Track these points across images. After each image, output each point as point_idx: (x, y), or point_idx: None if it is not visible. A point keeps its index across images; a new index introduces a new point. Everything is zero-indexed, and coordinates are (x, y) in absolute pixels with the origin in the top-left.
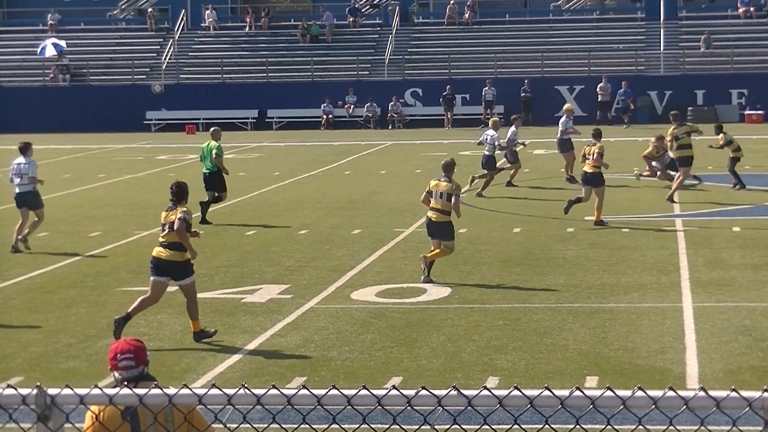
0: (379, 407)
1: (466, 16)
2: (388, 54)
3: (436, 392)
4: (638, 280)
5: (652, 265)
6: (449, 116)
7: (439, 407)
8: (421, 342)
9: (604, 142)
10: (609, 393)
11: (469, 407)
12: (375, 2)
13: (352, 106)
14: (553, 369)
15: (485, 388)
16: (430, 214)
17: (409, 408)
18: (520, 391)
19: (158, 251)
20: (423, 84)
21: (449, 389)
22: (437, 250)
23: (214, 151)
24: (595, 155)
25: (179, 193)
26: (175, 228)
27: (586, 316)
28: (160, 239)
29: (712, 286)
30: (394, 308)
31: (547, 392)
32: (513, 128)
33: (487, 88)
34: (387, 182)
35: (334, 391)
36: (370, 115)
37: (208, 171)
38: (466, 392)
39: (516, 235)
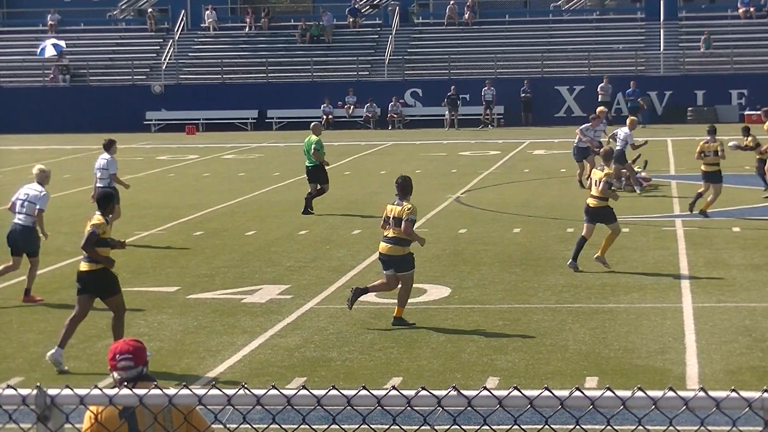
0: (379, 408)
1: (466, 16)
2: (387, 54)
3: (436, 392)
4: (639, 281)
5: (652, 265)
6: (454, 116)
7: (439, 408)
8: (421, 342)
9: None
10: (609, 393)
11: (468, 408)
12: (375, 2)
13: (351, 107)
14: (552, 369)
15: (485, 388)
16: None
17: (408, 408)
18: (520, 392)
19: (383, 246)
20: (423, 84)
21: (449, 389)
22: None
23: (313, 146)
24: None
25: (405, 187)
26: (402, 228)
27: (586, 317)
28: (385, 234)
29: (712, 286)
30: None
31: (546, 393)
32: (626, 130)
33: (486, 88)
34: (387, 183)
35: (333, 392)
36: (370, 115)
37: (310, 165)
38: (465, 392)
39: (516, 235)
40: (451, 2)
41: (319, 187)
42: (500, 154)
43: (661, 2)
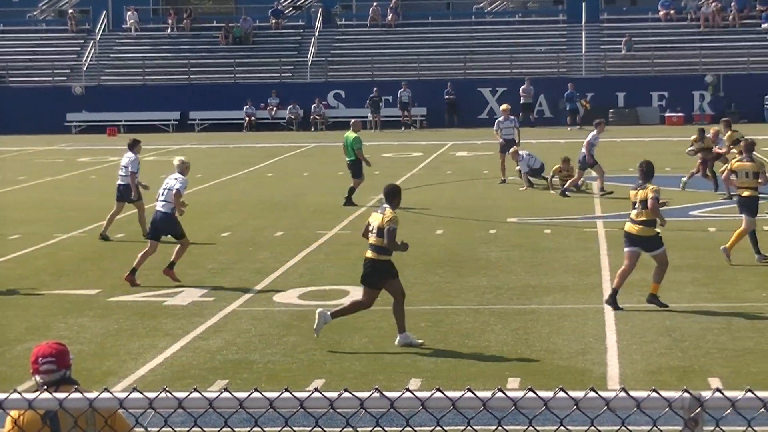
0: (302, 410)
1: (389, 17)
2: (310, 56)
3: (359, 394)
4: (561, 281)
5: (574, 266)
6: (376, 118)
7: (361, 409)
8: (344, 344)
9: (530, 146)
10: (531, 394)
11: (391, 409)
12: (298, 4)
13: (274, 108)
14: (475, 370)
15: (408, 389)
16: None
17: (331, 410)
18: (443, 393)
19: (630, 227)
20: (346, 86)
21: (372, 391)
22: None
23: (352, 145)
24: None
25: (648, 172)
26: (649, 206)
27: (509, 318)
28: (632, 217)
29: (633, 287)
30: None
31: (469, 394)
32: (594, 133)
33: (402, 90)
34: (310, 184)
35: (256, 394)
36: (292, 117)
37: (350, 160)
38: (388, 394)
39: (439, 236)
40: (374, 4)
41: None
42: (423, 156)
43: (583, 4)
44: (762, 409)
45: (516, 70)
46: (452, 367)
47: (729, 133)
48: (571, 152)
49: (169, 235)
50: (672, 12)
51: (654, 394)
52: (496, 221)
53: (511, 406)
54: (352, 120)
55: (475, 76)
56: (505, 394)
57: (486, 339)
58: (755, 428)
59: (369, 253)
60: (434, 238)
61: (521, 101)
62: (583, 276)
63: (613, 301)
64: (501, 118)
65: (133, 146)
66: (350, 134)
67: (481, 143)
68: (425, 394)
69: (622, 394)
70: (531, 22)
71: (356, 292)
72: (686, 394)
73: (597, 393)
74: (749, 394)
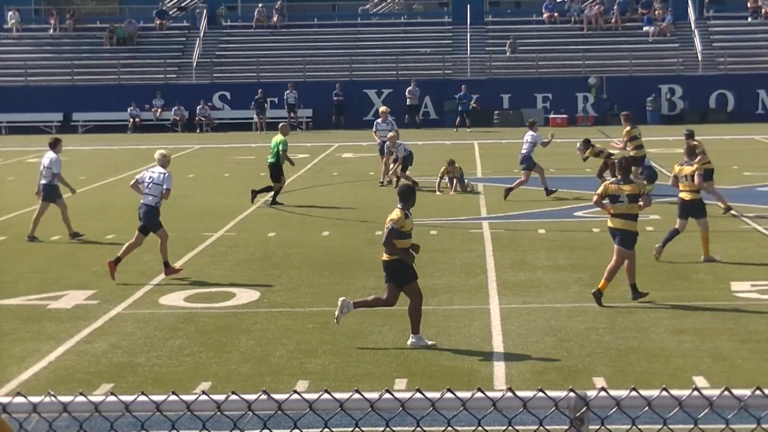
0: (189, 413)
1: (275, 19)
2: (195, 57)
3: (246, 397)
4: (447, 282)
5: (460, 267)
6: (261, 120)
7: (249, 411)
8: (230, 346)
9: (415, 147)
10: (418, 395)
11: (279, 411)
12: (182, 5)
13: (159, 110)
14: (362, 372)
15: (295, 391)
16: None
17: (218, 413)
18: (330, 395)
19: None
20: (231, 87)
21: (259, 394)
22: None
23: (280, 146)
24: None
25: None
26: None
27: (396, 319)
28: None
29: (519, 287)
30: (203, 313)
31: (357, 395)
32: (532, 132)
33: (288, 91)
34: (195, 186)
35: (142, 398)
36: (177, 118)
37: (270, 162)
38: (276, 396)
39: (325, 238)
40: (260, 5)
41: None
42: (309, 158)
43: (468, 6)
44: (646, 408)
45: (402, 71)
46: (339, 369)
47: (627, 128)
48: (456, 154)
49: (151, 231)
50: (556, 15)
51: (540, 394)
52: (382, 223)
53: (399, 407)
54: (281, 124)
55: (361, 77)
56: (392, 395)
57: (373, 340)
58: (640, 427)
59: (382, 254)
60: (320, 240)
61: (407, 103)
62: (469, 277)
63: (636, 293)
64: (379, 120)
65: (55, 146)
66: (278, 137)
67: (367, 145)
68: (313, 396)
69: (509, 394)
70: (416, 24)
71: (242, 294)
72: (572, 394)
73: (484, 393)
74: (633, 393)
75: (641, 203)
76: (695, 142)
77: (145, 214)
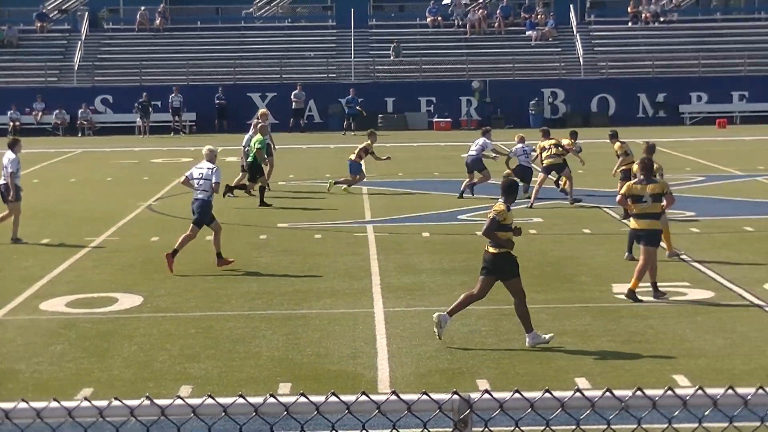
0: (71, 419)
1: (158, 22)
2: (77, 60)
3: (129, 402)
4: (331, 286)
5: (344, 271)
6: (145, 124)
7: (131, 417)
8: (113, 352)
9: (301, 151)
10: (302, 399)
11: (162, 417)
12: (63, 8)
13: (40, 113)
14: (246, 376)
15: (179, 396)
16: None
17: (101, 419)
18: (215, 400)
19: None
20: (114, 91)
21: (142, 399)
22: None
23: (256, 145)
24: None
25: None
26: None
27: (279, 323)
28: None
29: (403, 290)
30: (85, 318)
31: (241, 400)
32: (485, 139)
33: (174, 95)
34: (77, 191)
35: (23, 405)
36: (59, 122)
37: (248, 162)
38: (159, 401)
39: (209, 242)
40: (142, 8)
41: (248, 181)
42: (192, 161)
43: (352, 10)
44: (529, 410)
45: (286, 75)
46: (223, 373)
47: (568, 141)
48: (341, 158)
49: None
50: (439, 19)
51: (424, 397)
52: (267, 226)
53: (283, 411)
54: (260, 124)
55: (245, 81)
56: (276, 399)
57: (257, 344)
58: (522, 428)
59: (487, 247)
60: (204, 244)
61: (293, 107)
62: (353, 281)
63: (657, 291)
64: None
65: (14, 146)
66: (257, 136)
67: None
68: (196, 401)
69: (393, 397)
70: (300, 28)
71: (125, 299)
72: (456, 396)
73: (368, 397)
74: (517, 395)
75: (665, 202)
76: (619, 143)
77: (199, 208)
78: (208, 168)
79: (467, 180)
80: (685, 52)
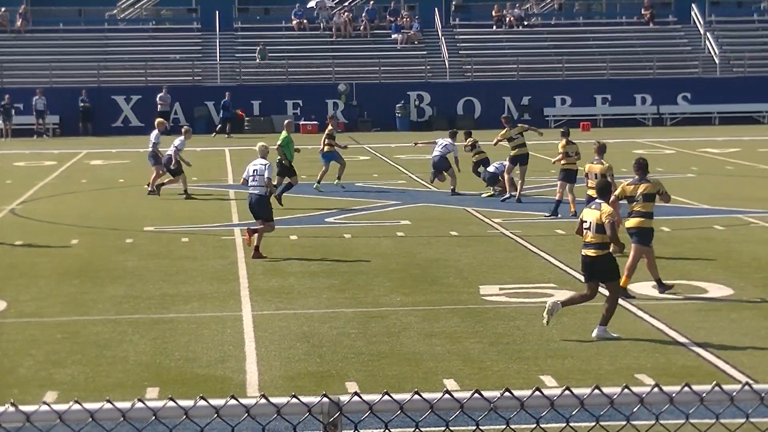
0: None
1: (19, 23)
2: None
3: None
4: (199, 290)
5: (212, 274)
6: (8, 127)
7: None
8: None
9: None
10: (171, 404)
11: (27, 423)
12: None
13: None
14: (113, 381)
15: (45, 403)
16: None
17: None
18: (81, 405)
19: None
20: None
21: (6, 405)
22: None
23: (278, 142)
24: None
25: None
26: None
27: (147, 327)
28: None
29: (271, 294)
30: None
31: (108, 405)
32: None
33: (37, 97)
34: None
35: None
36: None
37: (287, 160)
38: (24, 408)
39: (74, 246)
40: (2, 8)
41: (287, 180)
42: (56, 165)
43: (217, 13)
44: (399, 412)
45: (151, 78)
46: (90, 379)
47: (505, 130)
48: (208, 160)
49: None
50: (305, 21)
51: (294, 400)
52: (133, 230)
53: (151, 416)
54: (286, 121)
55: (109, 83)
56: (144, 404)
57: (124, 349)
58: (392, 430)
59: (589, 251)
60: (69, 248)
61: (158, 109)
62: (221, 284)
63: (662, 286)
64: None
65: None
66: (283, 134)
67: (117, 152)
68: (63, 407)
69: (263, 400)
70: (165, 30)
71: None
72: (325, 399)
73: (237, 400)
74: (386, 398)
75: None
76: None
77: (258, 204)
78: (262, 164)
79: (440, 180)
80: (549, 56)
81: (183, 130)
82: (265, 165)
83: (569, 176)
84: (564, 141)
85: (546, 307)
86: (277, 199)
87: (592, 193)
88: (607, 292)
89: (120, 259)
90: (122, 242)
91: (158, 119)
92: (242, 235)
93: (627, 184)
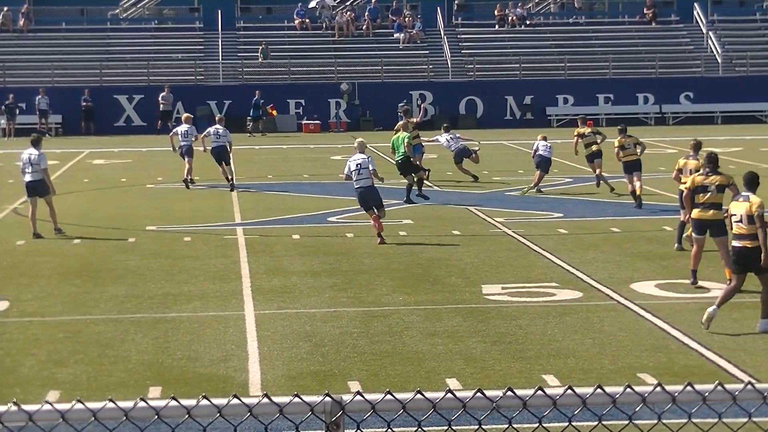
0: None
1: (21, 23)
2: None
3: None
4: (201, 289)
5: (214, 273)
6: (11, 126)
7: None
8: None
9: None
10: (173, 403)
11: (30, 423)
12: None
13: None
14: (116, 381)
15: (47, 402)
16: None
17: None
18: (84, 405)
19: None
20: None
21: (9, 405)
22: None
23: (405, 140)
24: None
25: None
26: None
27: (149, 327)
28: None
29: (273, 293)
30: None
31: (110, 404)
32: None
33: (40, 96)
34: None
35: None
36: None
37: (400, 158)
38: (26, 407)
39: (76, 246)
40: (5, 8)
41: (414, 176)
42: (59, 164)
43: (219, 12)
44: (401, 411)
45: (153, 77)
46: (92, 378)
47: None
48: (210, 160)
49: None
50: (307, 21)
51: (296, 399)
52: (135, 229)
53: (154, 415)
54: (402, 122)
55: (112, 83)
56: (147, 403)
57: (126, 348)
58: (395, 430)
59: (745, 243)
60: (71, 248)
61: (160, 108)
62: (223, 283)
63: (695, 280)
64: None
65: (37, 142)
66: (401, 134)
67: (118, 151)
68: (65, 406)
69: (265, 400)
70: (167, 30)
71: None
72: (327, 398)
73: (240, 399)
74: (389, 397)
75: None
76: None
77: (369, 194)
78: (363, 158)
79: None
80: (552, 55)
81: (217, 118)
82: (366, 158)
83: (629, 168)
84: (620, 137)
85: (705, 315)
86: (423, 198)
87: (683, 187)
88: (761, 284)
89: (122, 259)
90: (124, 242)
91: (185, 114)
92: (373, 227)
93: (697, 176)
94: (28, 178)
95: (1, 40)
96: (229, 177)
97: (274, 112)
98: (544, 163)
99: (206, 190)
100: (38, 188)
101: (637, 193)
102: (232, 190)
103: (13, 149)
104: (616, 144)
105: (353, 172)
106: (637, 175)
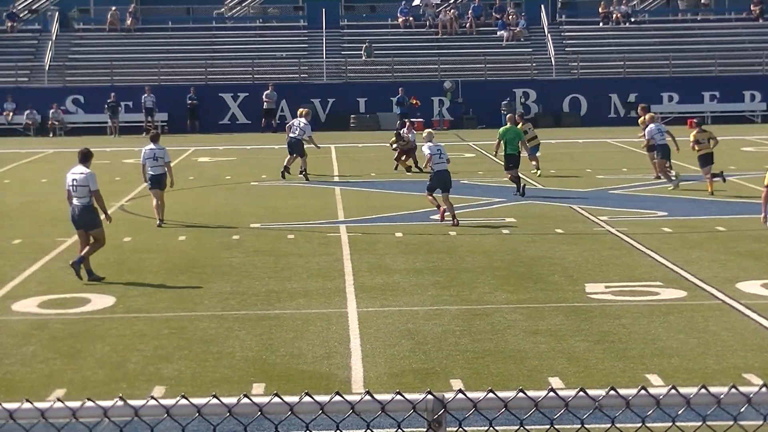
0: (43, 420)
1: (128, 22)
2: (48, 60)
3: (102, 403)
4: (304, 287)
5: (317, 271)
6: (115, 124)
7: (105, 418)
8: (85, 353)
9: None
10: (276, 399)
11: (135, 417)
12: (34, 7)
13: (11, 114)
14: (219, 377)
15: (152, 397)
16: None
17: (74, 420)
18: (188, 400)
19: None
20: (85, 91)
21: (115, 400)
22: None
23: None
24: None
25: None
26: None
27: (253, 323)
28: None
29: (376, 291)
30: (57, 319)
31: (214, 400)
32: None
33: (146, 95)
34: (48, 191)
35: None
36: (30, 122)
37: (511, 153)
38: (132, 402)
39: (181, 243)
40: (113, 8)
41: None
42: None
43: (323, 11)
44: (503, 409)
45: (258, 75)
46: (196, 374)
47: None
48: (312, 158)
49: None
50: (411, 19)
51: (398, 397)
52: (239, 227)
53: (257, 411)
54: (517, 113)
55: (217, 81)
56: (250, 399)
57: (230, 345)
58: (497, 428)
59: None
60: (176, 244)
61: (264, 107)
62: (326, 281)
63: None
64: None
65: (86, 159)
66: (512, 128)
67: (223, 149)
68: (170, 402)
69: (367, 397)
70: (272, 28)
71: (97, 299)
72: (429, 396)
73: (342, 396)
74: (490, 395)
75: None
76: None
77: (448, 176)
78: (441, 145)
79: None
80: (656, 53)
81: (304, 112)
82: (442, 146)
83: (703, 160)
84: (696, 130)
85: None
86: (521, 195)
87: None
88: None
89: (226, 256)
90: (228, 239)
91: (300, 108)
92: (441, 212)
93: None
94: (151, 171)
95: (109, 39)
96: (301, 168)
97: (418, 103)
98: (663, 150)
99: (309, 187)
100: (162, 181)
101: (709, 190)
102: (305, 179)
103: (119, 147)
104: (691, 138)
105: (434, 156)
106: (708, 169)
